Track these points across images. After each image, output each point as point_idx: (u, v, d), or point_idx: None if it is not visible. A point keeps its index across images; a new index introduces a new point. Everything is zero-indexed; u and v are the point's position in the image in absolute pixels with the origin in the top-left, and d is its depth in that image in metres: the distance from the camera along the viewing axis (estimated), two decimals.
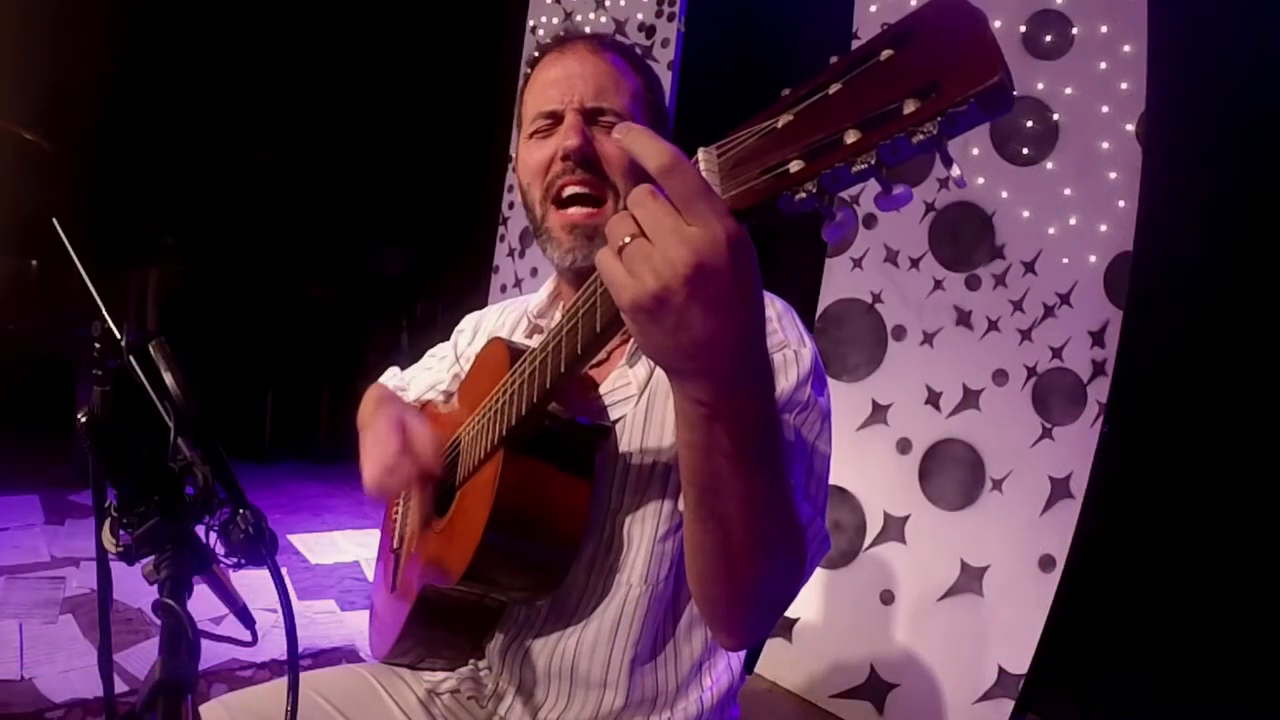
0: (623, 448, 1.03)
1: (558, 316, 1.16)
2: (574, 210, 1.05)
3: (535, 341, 0.99)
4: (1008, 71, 0.49)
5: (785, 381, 0.97)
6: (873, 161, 0.53)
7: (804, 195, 0.56)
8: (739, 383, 0.65)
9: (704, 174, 0.61)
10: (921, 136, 0.51)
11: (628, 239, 0.60)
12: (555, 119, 1.07)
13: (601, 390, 1.06)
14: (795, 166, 0.56)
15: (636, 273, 0.60)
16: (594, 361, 1.11)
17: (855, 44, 2.78)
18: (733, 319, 0.60)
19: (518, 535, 0.93)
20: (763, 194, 0.58)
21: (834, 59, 0.57)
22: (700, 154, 0.63)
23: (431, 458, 1.04)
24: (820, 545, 0.95)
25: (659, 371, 1.05)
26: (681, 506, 0.96)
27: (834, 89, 0.56)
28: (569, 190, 1.05)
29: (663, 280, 0.58)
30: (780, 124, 0.58)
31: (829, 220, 0.57)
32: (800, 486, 0.94)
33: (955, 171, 0.53)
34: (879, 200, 0.56)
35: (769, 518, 0.75)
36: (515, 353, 1.00)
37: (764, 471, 0.71)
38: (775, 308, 1.06)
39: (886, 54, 0.54)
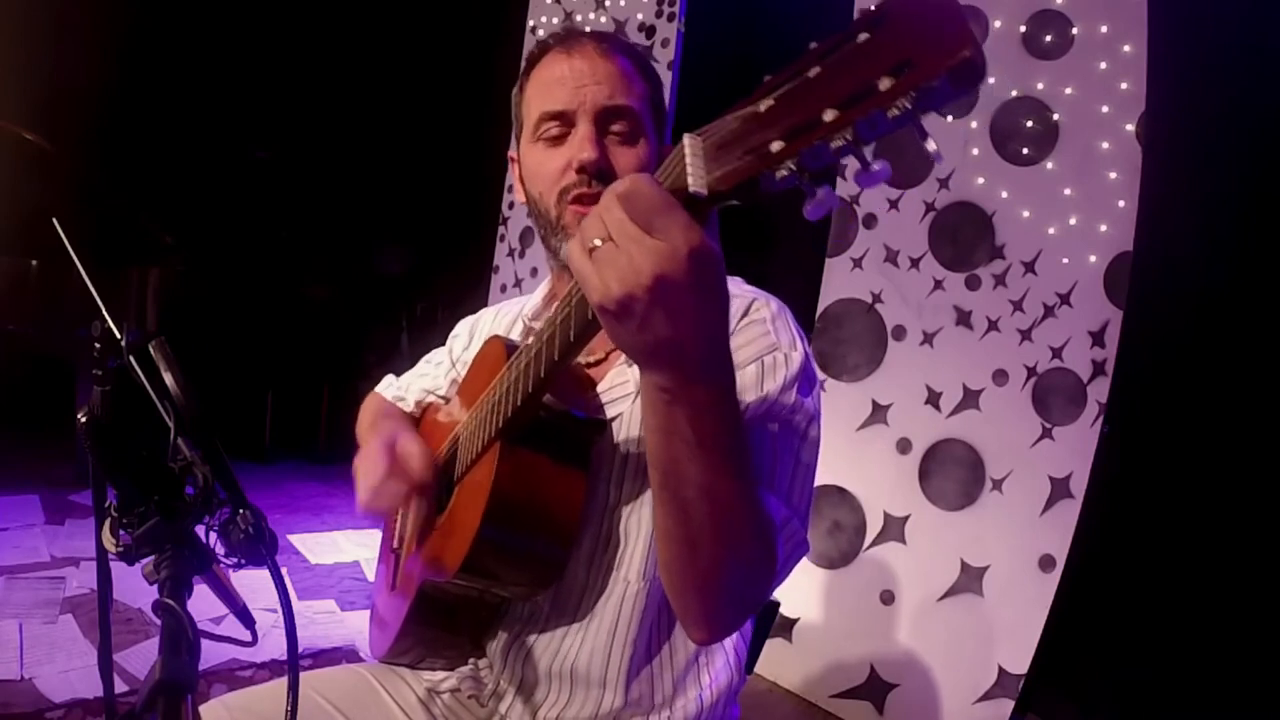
0: (620, 444, 1.03)
1: None
2: (590, 207, 1.04)
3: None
4: (978, 48, 0.52)
5: (772, 384, 0.97)
6: (850, 138, 0.56)
7: (785, 173, 0.59)
8: (698, 374, 0.69)
9: (689, 157, 0.63)
10: (897, 111, 0.54)
11: (598, 241, 0.64)
12: (564, 121, 1.05)
13: (600, 389, 1.06)
14: (776, 146, 0.58)
15: (603, 276, 0.64)
16: (592, 361, 1.12)
17: None
18: (693, 323, 0.65)
19: (514, 526, 0.93)
20: (745, 173, 0.60)
21: (813, 44, 0.60)
22: (686, 139, 0.65)
23: (420, 474, 1.05)
24: (796, 548, 0.94)
25: None
26: None
27: (813, 72, 0.59)
28: (586, 201, 1.04)
29: (626, 287, 0.62)
30: (762, 108, 0.61)
31: (810, 198, 0.59)
32: (781, 488, 0.94)
33: (931, 146, 0.55)
34: (859, 177, 0.58)
35: (729, 505, 0.77)
36: (512, 348, 1.01)
37: (723, 459, 0.74)
38: (770, 308, 1.05)
39: (863, 37, 0.56)
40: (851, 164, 0.57)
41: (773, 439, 0.94)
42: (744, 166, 0.60)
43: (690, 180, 0.62)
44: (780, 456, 0.95)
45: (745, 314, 1.03)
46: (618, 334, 0.66)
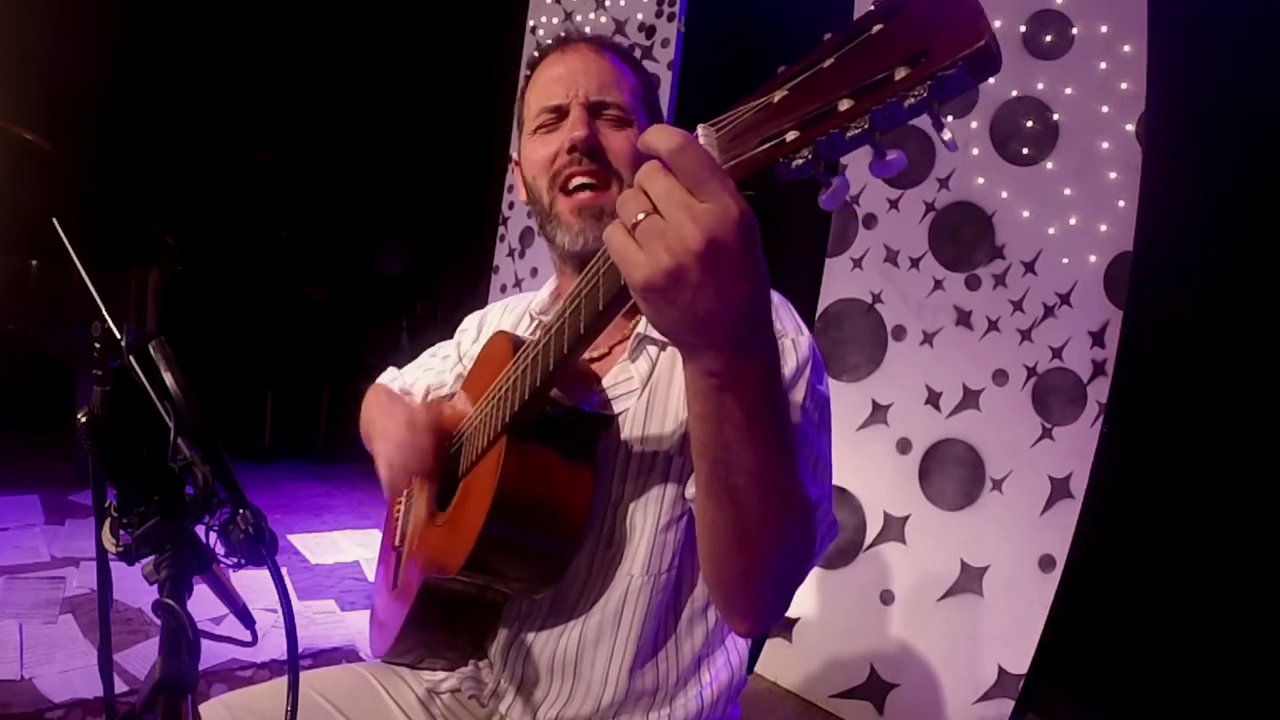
0: (625, 440, 1.03)
1: None
2: (581, 194, 1.07)
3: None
4: (993, 35, 0.52)
5: (785, 369, 0.96)
6: (866, 126, 0.56)
7: (800, 162, 0.59)
8: (748, 353, 0.66)
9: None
10: (913, 100, 0.54)
11: (641, 216, 0.62)
12: (560, 113, 1.09)
13: (604, 384, 1.06)
14: (791, 135, 0.59)
15: (650, 250, 0.61)
16: (596, 356, 1.12)
17: None
18: (742, 293, 0.62)
19: (520, 521, 0.93)
20: (760, 162, 0.60)
21: (827, 36, 0.60)
22: (699, 130, 0.65)
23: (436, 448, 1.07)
24: (829, 529, 0.95)
25: (660, 365, 1.06)
26: (688, 493, 0.96)
27: (828, 63, 0.59)
28: (576, 180, 1.07)
29: (677, 257, 0.60)
30: (776, 98, 0.61)
31: (825, 188, 0.59)
32: (806, 470, 0.94)
33: (947, 135, 0.55)
34: (874, 166, 0.58)
35: (780, 492, 0.76)
36: (518, 343, 1.01)
37: (774, 443, 0.72)
38: (772, 299, 1.06)
39: (877, 28, 0.57)
40: (865, 156, 0.57)
41: (796, 421, 0.94)
42: (759, 155, 0.60)
43: None
44: (801, 440, 0.95)
45: None
46: (666, 314, 0.63)
